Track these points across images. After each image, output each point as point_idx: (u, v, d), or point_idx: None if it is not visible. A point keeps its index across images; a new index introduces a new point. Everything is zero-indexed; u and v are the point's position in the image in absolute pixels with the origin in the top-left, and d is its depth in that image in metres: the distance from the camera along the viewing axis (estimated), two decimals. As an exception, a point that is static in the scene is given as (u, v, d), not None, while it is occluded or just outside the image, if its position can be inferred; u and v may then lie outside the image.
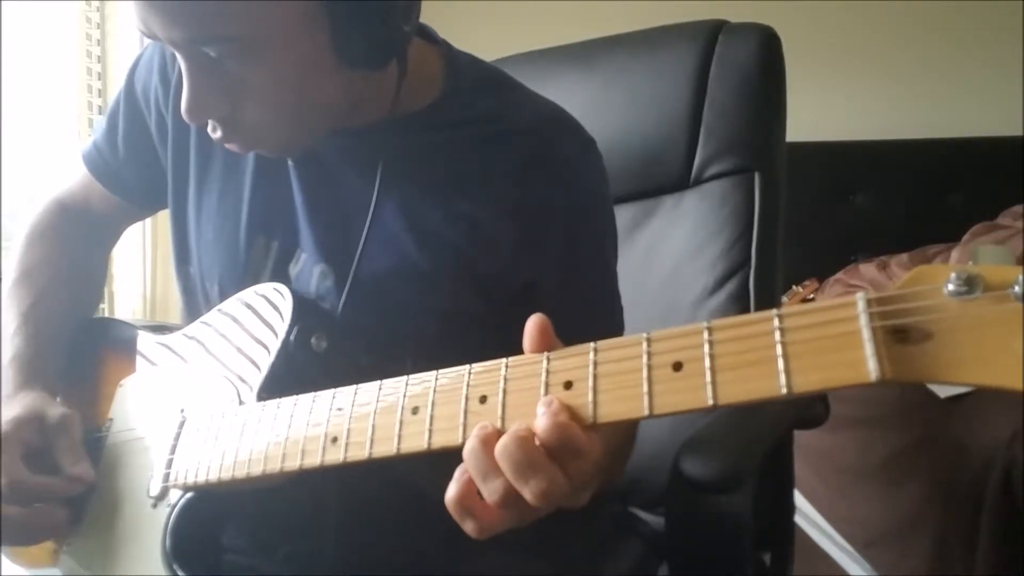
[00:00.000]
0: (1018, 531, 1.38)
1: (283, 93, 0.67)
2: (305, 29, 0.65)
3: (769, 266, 1.06)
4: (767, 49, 1.09)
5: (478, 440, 0.49)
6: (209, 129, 0.70)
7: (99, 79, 1.85)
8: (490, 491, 0.49)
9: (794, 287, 2.09)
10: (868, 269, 2.08)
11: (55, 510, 0.75)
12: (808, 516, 1.76)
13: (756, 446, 0.86)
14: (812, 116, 2.05)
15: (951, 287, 0.37)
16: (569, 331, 0.51)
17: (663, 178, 1.13)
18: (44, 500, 0.75)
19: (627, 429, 0.74)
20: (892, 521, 1.59)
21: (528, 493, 0.47)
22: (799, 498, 1.74)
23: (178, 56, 0.66)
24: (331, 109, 0.72)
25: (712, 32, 1.11)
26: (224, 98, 0.67)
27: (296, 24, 0.64)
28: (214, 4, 0.61)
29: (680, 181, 1.12)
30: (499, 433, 0.49)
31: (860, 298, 0.39)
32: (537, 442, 0.47)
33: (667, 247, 1.13)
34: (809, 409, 1.01)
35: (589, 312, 0.78)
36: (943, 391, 1.55)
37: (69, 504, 0.76)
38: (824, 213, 2.33)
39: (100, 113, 1.83)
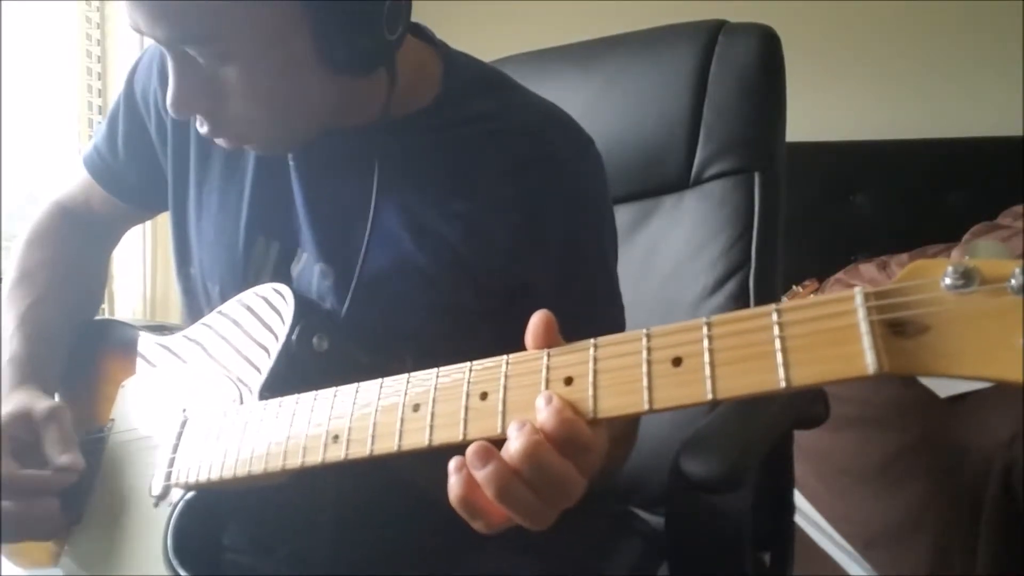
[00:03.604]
0: (1018, 531, 1.38)
1: (263, 95, 0.68)
2: (285, 33, 0.66)
3: (769, 266, 1.06)
4: (767, 49, 1.09)
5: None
6: (196, 124, 0.72)
7: (99, 79, 1.85)
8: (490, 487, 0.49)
9: (794, 287, 2.09)
10: (868, 269, 2.09)
11: (49, 503, 0.74)
12: (808, 516, 1.76)
13: (756, 446, 0.86)
14: (812, 116, 2.05)
15: (948, 281, 0.37)
16: (569, 331, 0.51)
17: (663, 178, 1.13)
18: (35, 494, 0.74)
19: (628, 422, 0.74)
20: (892, 521, 1.59)
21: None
22: (799, 498, 1.74)
23: (165, 51, 0.67)
24: (316, 111, 0.72)
25: (712, 32, 1.12)
26: (207, 95, 0.68)
27: (276, 28, 0.65)
28: (195, 5, 0.63)
29: (680, 181, 1.12)
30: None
31: (858, 292, 0.39)
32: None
33: (667, 247, 1.13)
34: (809, 409, 1.01)
35: (589, 312, 0.78)
36: (943, 391, 1.55)
37: (65, 498, 0.76)
38: (824, 213, 2.33)
39: (100, 113, 1.83)
